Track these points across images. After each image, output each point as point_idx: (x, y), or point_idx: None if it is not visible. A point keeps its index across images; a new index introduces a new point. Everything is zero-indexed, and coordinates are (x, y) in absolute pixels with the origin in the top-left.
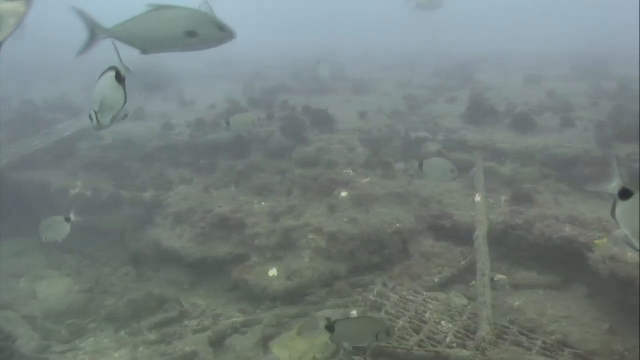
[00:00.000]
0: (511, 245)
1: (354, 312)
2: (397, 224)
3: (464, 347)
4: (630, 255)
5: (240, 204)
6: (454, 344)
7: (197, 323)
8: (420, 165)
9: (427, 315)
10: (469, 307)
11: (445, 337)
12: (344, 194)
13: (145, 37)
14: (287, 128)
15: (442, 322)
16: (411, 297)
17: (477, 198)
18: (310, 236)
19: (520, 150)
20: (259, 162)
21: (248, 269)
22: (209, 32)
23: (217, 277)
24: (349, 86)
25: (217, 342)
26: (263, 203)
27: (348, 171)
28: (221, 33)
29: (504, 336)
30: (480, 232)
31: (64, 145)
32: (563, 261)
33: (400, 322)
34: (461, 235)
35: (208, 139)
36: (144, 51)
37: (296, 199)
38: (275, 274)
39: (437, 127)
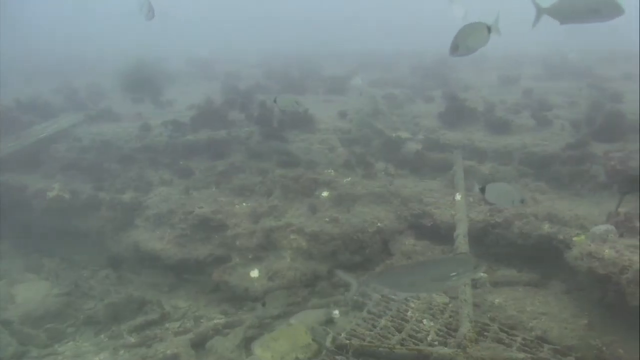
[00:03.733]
0: (491, 244)
1: (336, 312)
2: (379, 224)
3: (445, 345)
4: (607, 252)
5: (221, 205)
6: (436, 342)
7: (179, 325)
8: (482, 189)
9: (409, 314)
10: (450, 306)
11: (427, 335)
12: (325, 194)
13: (569, 14)
14: (267, 128)
15: (424, 321)
16: (393, 296)
17: (457, 197)
18: (292, 237)
19: (499, 149)
20: (239, 163)
21: (229, 270)
22: (608, 9)
23: (198, 279)
24: (326, 86)
25: (199, 344)
26: (244, 204)
27: (329, 171)
28: (615, 10)
29: (485, 333)
30: (461, 231)
31: (41, 147)
32: (542, 259)
33: (383, 321)
34: (442, 234)
35: (187, 140)
36: (562, 22)
37: (277, 199)
38: (257, 275)
39: (417, 126)
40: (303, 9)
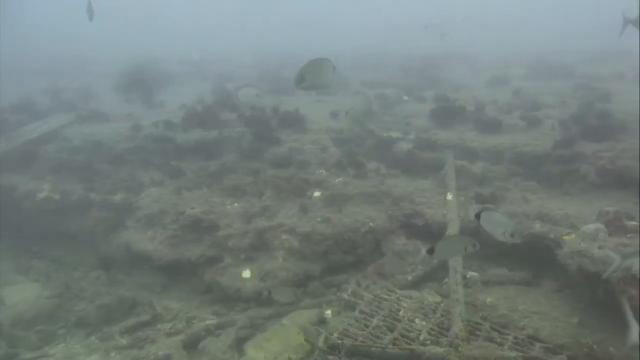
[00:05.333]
0: (482, 243)
1: (328, 312)
2: (370, 223)
3: (437, 344)
4: (597, 250)
5: (212, 206)
6: (428, 341)
7: (171, 326)
8: (478, 216)
9: (401, 313)
10: (442, 305)
11: (419, 334)
12: (317, 194)
13: None
14: (259, 129)
15: (416, 320)
16: (385, 296)
17: (449, 196)
18: (284, 237)
19: (490, 148)
20: (231, 163)
21: (221, 271)
22: None
23: (190, 280)
24: None
25: (191, 345)
26: (236, 204)
27: (321, 171)
28: None
29: (477, 332)
30: (452, 230)
31: (31, 147)
32: (533, 257)
33: (375, 321)
34: (433, 234)
35: (179, 140)
36: None
37: (269, 199)
38: (249, 276)
39: (408, 126)
40: (298, 10)
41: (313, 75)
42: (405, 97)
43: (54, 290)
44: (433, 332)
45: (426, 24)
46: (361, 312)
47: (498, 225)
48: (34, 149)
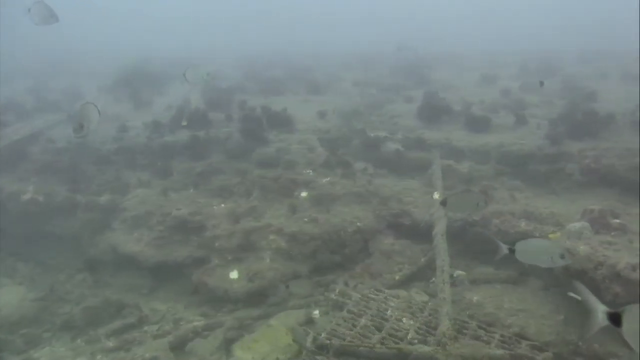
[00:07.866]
0: (469, 242)
1: (316, 312)
2: (358, 223)
3: (425, 343)
4: (582, 248)
5: (199, 207)
6: (416, 340)
7: (158, 328)
8: (512, 250)
9: (388, 312)
10: (429, 304)
11: (407, 333)
12: (304, 194)
13: None
14: (246, 129)
15: (404, 319)
16: (373, 296)
17: (436, 196)
18: (271, 237)
19: (477, 148)
20: (218, 164)
21: (209, 271)
22: None
23: (177, 281)
24: (307, 86)
25: (179, 347)
26: (223, 205)
27: (308, 171)
28: None
29: (464, 331)
30: (439, 230)
31: (15, 149)
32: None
33: (363, 321)
34: (421, 233)
35: (166, 141)
36: None
37: (256, 200)
38: (237, 276)
39: (395, 126)
40: (288, 10)
41: (89, 122)
42: (394, 97)
43: (39, 293)
44: (421, 331)
45: (399, 46)
46: (349, 311)
47: (541, 251)
48: (18, 151)
